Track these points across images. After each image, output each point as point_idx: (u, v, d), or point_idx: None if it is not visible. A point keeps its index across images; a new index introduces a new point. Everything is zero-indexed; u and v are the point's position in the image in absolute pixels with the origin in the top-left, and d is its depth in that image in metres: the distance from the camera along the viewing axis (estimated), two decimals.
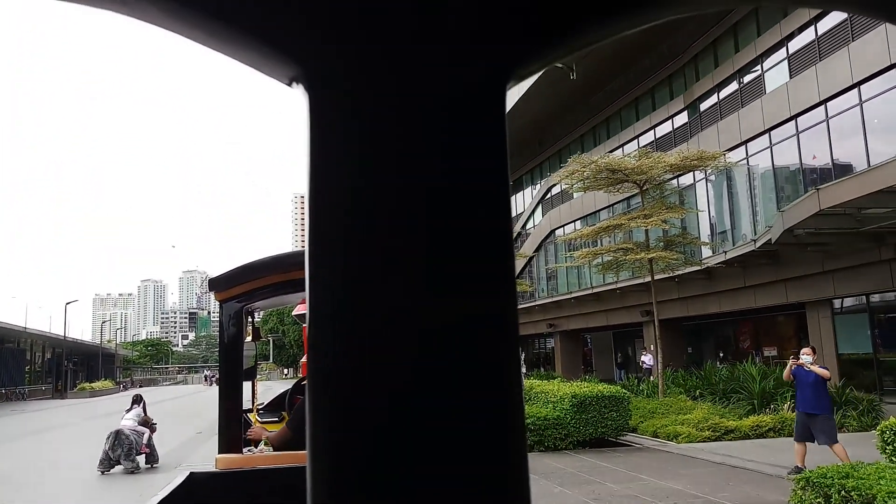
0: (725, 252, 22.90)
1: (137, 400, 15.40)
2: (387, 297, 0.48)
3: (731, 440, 13.44)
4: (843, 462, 9.33)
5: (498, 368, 0.49)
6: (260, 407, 6.13)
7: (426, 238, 0.49)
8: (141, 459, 13.91)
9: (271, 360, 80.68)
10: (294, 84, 0.52)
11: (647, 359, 29.70)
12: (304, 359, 8.17)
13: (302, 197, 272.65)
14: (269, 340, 75.91)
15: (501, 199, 0.52)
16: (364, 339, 0.48)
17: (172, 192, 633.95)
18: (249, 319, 4.87)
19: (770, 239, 18.51)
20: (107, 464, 13.54)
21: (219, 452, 3.82)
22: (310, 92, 0.51)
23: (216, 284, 4.06)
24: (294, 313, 7.84)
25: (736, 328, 26.94)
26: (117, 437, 13.76)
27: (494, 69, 0.52)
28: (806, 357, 10.51)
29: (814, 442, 10.15)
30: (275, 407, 6.44)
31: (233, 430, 3.99)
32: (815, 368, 10.34)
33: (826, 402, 10.36)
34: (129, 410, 14.92)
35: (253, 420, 5.48)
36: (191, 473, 3.32)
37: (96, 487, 11.98)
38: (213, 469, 3.70)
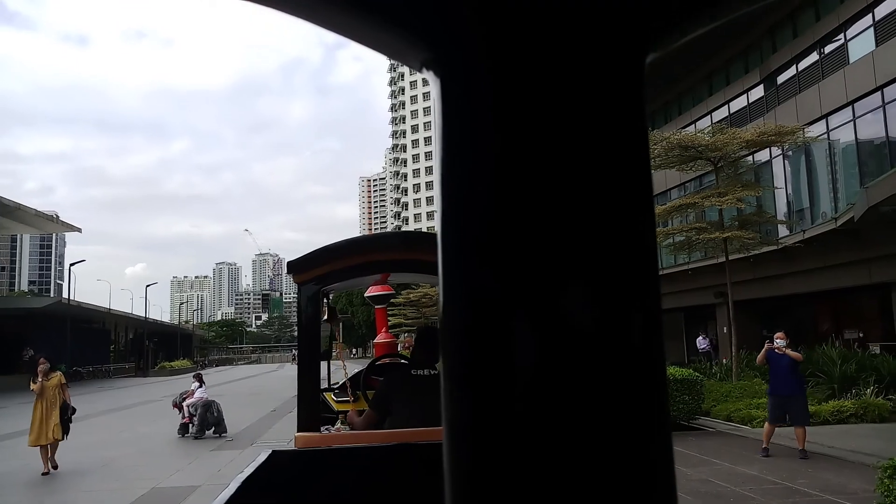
0: (804, 231, 22.05)
1: (200, 378, 17.26)
2: (524, 281, 0.46)
3: (810, 426, 12.97)
4: (799, 443, 10.51)
5: (641, 348, 0.47)
6: (335, 386, 6.25)
7: (565, 223, 0.47)
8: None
9: (340, 341, 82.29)
10: (425, 69, 0.52)
11: (701, 341, 29.23)
12: (377, 339, 8.29)
13: (369, 180, 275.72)
14: (340, 323, 77.46)
15: (642, 184, 0.50)
16: (504, 324, 0.47)
17: (244, 178, 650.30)
18: (325, 301, 4.95)
19: (853, 217, 17.72)
20: (199, 430, 15.78)
21: (297, 431, 3.92)
22: (442, 75, 0.51)
23: (295, 267, 4.13)
24: (366, 294, 7.92)
25: (814, 310, 25.96)
26: (209, 407, 16.10)
27: (634, 43, 0.50)
28: (780, 341, 11.10)
29: (785, 423, 10.92)
30: (349, 386, 6.53)
31: (310, 409, 4.07)
32: (789, 352, 10.95)
33: (800, 384, 11.15)
34: (199, 387, 16.73)
35: (328, 399, 5.59)
36: (273, 451, 3.39)
37: (178, 460, 12.47)
38: (294, 448, 3.80)
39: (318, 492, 3.33)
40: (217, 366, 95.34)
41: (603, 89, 0.49)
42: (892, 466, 6.24)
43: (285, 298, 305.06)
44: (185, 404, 16.31)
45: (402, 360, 5.95)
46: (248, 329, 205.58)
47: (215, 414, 16.16)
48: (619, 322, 0.47)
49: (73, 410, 12.39)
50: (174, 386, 42.48)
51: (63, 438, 11.97)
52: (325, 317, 4.93)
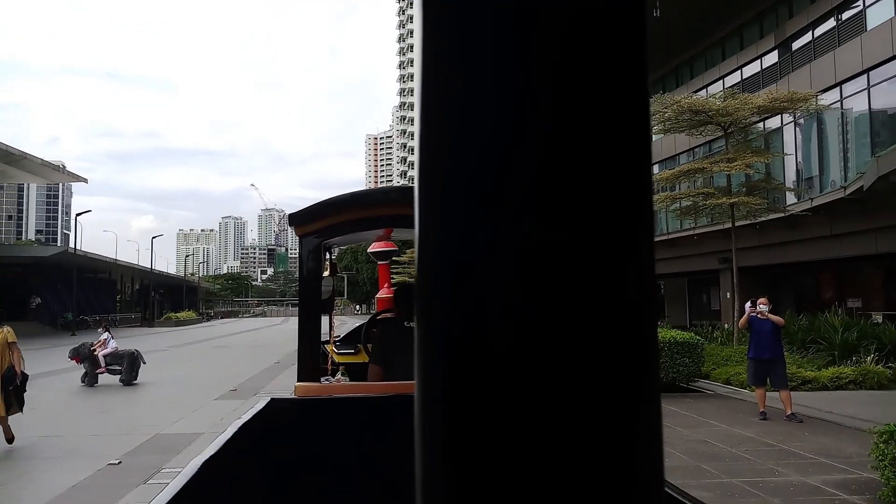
0: (811, 199, 21.92)
1: (108, 328, 17.93)
2: (505, 220, 0.43)
3: (807, 391, 13.10)
4: (786, 407, 10.64)
5: (632, 298, 0.44)
6: (337, 339, 6.30)
7: (554, 156, 0.43)
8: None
9: (345, 297, 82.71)
10: None
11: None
12: (379, 294, 8.34)
13: (376, 138, 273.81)
14: (343, 277, 77.81)
15: (638, 119, 0.46)
16: (482, 267, 0.43)
17: (254, 133, 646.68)
18: (327, 255, 4.96)
19: (862, 186, 17.60)
20: (128, 376, 16.69)
21: (297, 381, 3.96)
22: None
23: (297, 219, 4.11)
24: (370, 250, 7.93)
25: (818, 278, 25.96)
26: (136, 355, 16.97)
27: None
28: (763, 306, 11.17)
29: (767, 386, 11.12)
30: (351, 339, 6.63)
31: (311, 360, 4.09)
32: (771, 317, 11.09)
33: (781, 349, 11.30)
34: (110, 337, 17.26)
35: (330, 351, 5.65)
36: (272, 399, 3.44)
37: (180, 408, 12.67)
38: (293, 396, 3.85)
39: (315, 439, 3.38)
40: (222, 318, 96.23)
41: (602, 18, 0.44)
42: (888, 432, 6.31)
43: (291, 254, 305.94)
44: (101, 355, 16.59)
45: None
46: (254, 283, 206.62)
47: (145, 362, 17.14)
48: (609, 275, 0.44)
49: (24, 378, 9.81)
50: (180, 336, 43.05)
51: (12, 412, 9.59)
52: (327, 271, 4.94)
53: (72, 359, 16.73)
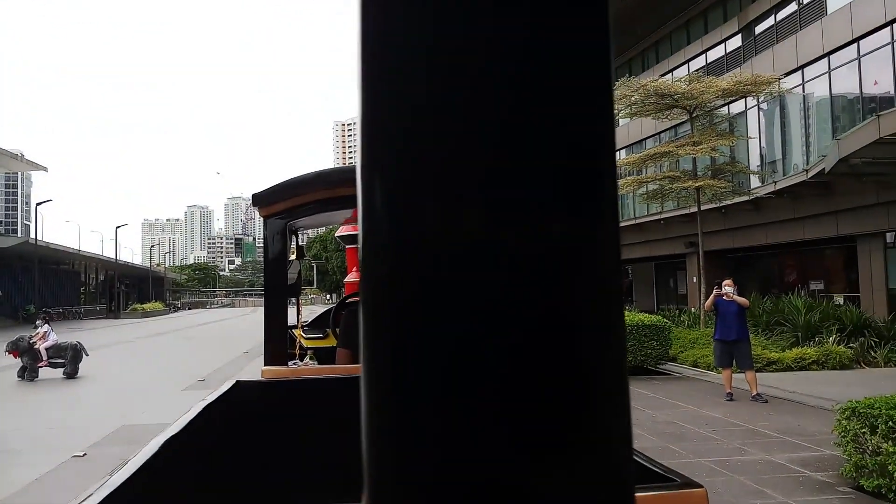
0: (775, 182, 22.25)
1: (47, 320, 17.09)
2: (455, 211, 0.41)
3: (772, 372, 13.32)
4: (751, 387, 10.85)
5: (596, 281, 0.42)
6: (304, 324, 6.23)
7: (507, 140, 0.41)
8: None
9: (315, 286, 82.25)
10: None
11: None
12: (347, 278, 8.26)
13: (344, 124, 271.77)
14: (312, 266, 77.31)
15: (601, 91, 0.42)
16: (429, 261, 0.41)
17: (215, 119, 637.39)
18: (293, 238, 4.87)
19: (823, 168, 17.89)
20: (73, 369, 16.15)
21: (264, 365, 3.88)
22: None
23: (260, 200, 4.01)
24: (337, 234, 7.84)
25: (782, 261, 26.42)
26: (80, 348, 16.37)
27: None
28: (728, 288, 11.30)
29: (732, 367, 11.25)
30: (319, 324, 6.55)
31: (278, 344, 4.01)
32: (737, 298, 11.21)
33: (746, 330, 11.45)
34: (49, 330, 16.52)
35: (297, 336, 5.57)
36: (237, 382, 3.39)
37: (145, 399, 12.48)
38: (259, 378, 3.78)
39: (281, 419, 3.33)
40: (189, 309, 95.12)
41: None
42: (850, 409, 6.43)
43: (258, 243, 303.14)
44: (42, 348, 15.94)
45: None
46: (222, 273, 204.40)
47: (87, 354, 16.56)
48: (572, 259, 0.42)
49: None
50: (147, 327, 42.43)
51: None
52: (294, 255, 4.85)
53: (9, 353, 15.89)
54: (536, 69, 0.41)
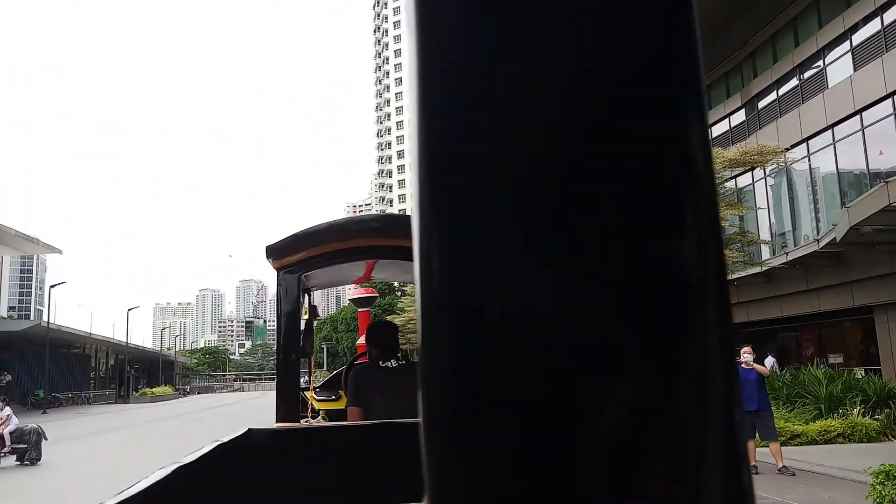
0: (787, 253, 22.13)
1: (7, 402, 16.73)
2: (528, 243, 0.36)
3: (796, 445, 12.88)
4: (777, 459, 10.38)
5: (699, 344, 0.37)
6: (316, 386, 6.10)
7: (588, 161, 0.36)
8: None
9: (325, 368, 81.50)
10: None
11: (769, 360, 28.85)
12: (359, 340, 8.14)
13: (355, 206, 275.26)
14: (323, 348, 76.77)
15: (692, 105, 0.39)
16: (503, 297, 0.36)
17: (226, 203, 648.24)
18: (306, 297, 4.75)
19: (835, 238, 17.79)
20: (38, 455, 15.58)
21: (276, 421, 3.75)
22: None
23: (274, 251, 3.88)
24: (350, 297, 7.78)
25: (799, 334, 25.99)
26: (39, 433, 15.78)
27: None
28: (747, 356, 11.12)
29: (754, 439, 10.91)
30: (331, 386, 6.41)
31: (291, 401, 3.88)
32: (756, 366, 11.05)
33: (767, 400, 11.23)
34: (9, 413, 16.04)
35: (309, 398, 5.43)
36: (249, 429, 3.26)
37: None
38: (272, 427, 3.64)
39: (293, 465, 3.19)
40: (199, 393, 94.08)
41: None
42: (884, 472, 6.15)
43: (269, 326, 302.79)
44: (5, 432, 15.35)
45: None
46: (232, 357, 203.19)
47: (46, 439, 15.98)
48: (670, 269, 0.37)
49: None
50: (155, 411, 41.84)
51: None
52: (307, 314, 4.74)
53: None
54: (612, 78, 0.37)
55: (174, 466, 2.19)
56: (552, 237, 0.36)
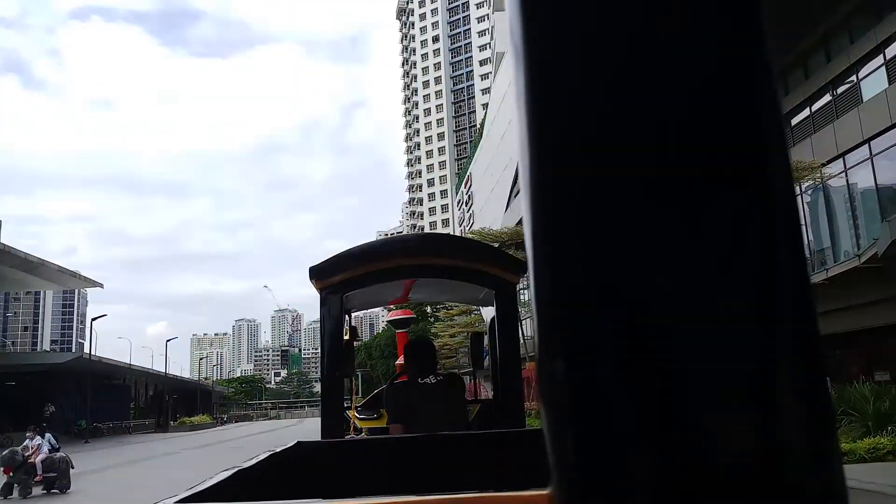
0: (827, 269, 21.81)
1: (39, 431, 16.92)
2: (633, 231, 0.40)
3: (845, 463, 12.54)
4: None
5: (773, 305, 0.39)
6: (358, 406, 6.21)
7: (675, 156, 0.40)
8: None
9: (360, 395, 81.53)
10: None
11: None
12: (398, 361, 8.27)
13: (386, 234, 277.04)
14: (358, 375, 76.90)
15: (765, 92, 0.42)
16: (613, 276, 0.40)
17: (260, 233, 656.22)
18: (346, 318, 4.89)
19: (876, 252, 17.54)
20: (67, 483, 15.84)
21: (321, 438, 3.85)
22: None
23: (317, 273, 4.01)
24: (387, 319, 7.92)
25: (842, 352, 25.45)
26: (67, 461, 15.95)
27: None
28: None
29: None
30: (372, 405, 6.51)
31: (335, 418, 3.99)
32: None
33: None
34: (41, 441, 16.15)
35: (351, 417, 5.52)
36: (298, 442, 3.41)
37: None
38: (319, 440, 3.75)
39: (339, 475, 3.32)
40: (236, 421, 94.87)
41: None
42: None
43: (304, 354, 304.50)
44: (37, 461, 15.38)
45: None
46: (268, 385, 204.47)
47: (73, 467, 16.24)
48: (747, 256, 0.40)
49: None
50: (195, 440, 42.28)
51: None
52: (347, 335, 4.87)
53: (2, 470, 15.18)
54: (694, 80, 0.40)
55: (233, 470, 2.35)
56: (651, 236, 0.39)
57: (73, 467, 16.24)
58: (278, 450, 3.04)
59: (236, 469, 2.34)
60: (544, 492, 0.44)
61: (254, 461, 2.64)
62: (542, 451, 0.41)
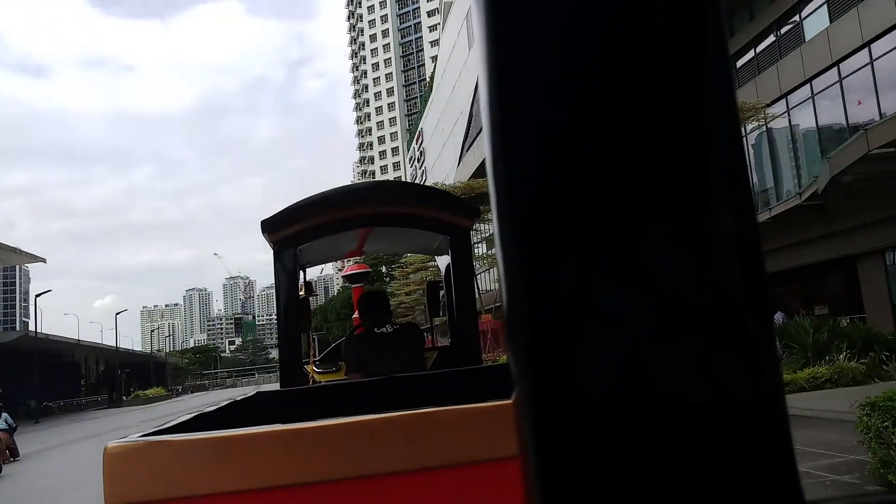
0: (770, 208, 22.25)
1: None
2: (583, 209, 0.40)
3: (786, 393, 12.96)
4: None
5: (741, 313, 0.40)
6: (316, 360, 6.16)
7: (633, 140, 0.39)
8: None
9: (317, 357, 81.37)
10: None
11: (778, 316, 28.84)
12: (355, 315, 8.15)
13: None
14: (314, 338, 76.66)
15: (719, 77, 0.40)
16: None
17: (209, 198, 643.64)
18: (301, 274, 4.73)
19: (816, 190, 17.92)
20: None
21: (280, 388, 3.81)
22: None
23: (269, 225, 3.86)
24: (343, 274, 7.84)
25: (784, 288, 26.20)
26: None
27: None
28: None
29: None
30: (330, 358, 6.46)
31: (293, 371, 3.95)
32: None
33: None
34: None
35: (310, 371, 5.45)
36: (258, 391, 3.48)
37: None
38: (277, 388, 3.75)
39: (299, 419, 3.30)
40: (192, 392, 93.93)
41: None
42: (870, 404, 6.21)
43: (258, 321, 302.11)
44: None
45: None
46: (222, 354, 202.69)
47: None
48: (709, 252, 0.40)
49: None
50: (150, 413, 41.70)
51: None
52: (303, 290, 4.71)
53: None
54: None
55: (195, 413, 2.38)
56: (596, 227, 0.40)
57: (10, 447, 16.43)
58: (239, 398, 3.04)
59: (197, 413, 2.36)
60: (508, 402, 0.41)
61: (214, 407, 2.65)
62: (501, 385, 0.41)
